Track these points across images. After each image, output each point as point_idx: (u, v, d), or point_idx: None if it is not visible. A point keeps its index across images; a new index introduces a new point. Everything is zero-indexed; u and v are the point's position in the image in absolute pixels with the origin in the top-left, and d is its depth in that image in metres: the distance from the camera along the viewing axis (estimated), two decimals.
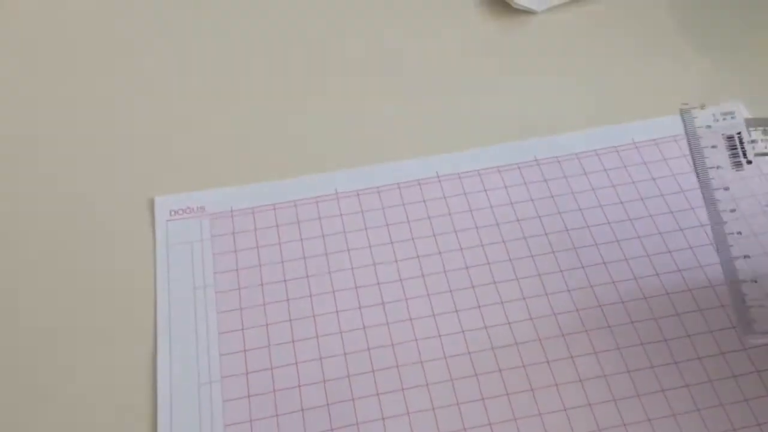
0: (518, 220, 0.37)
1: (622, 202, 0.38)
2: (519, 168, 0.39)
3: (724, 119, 0.35)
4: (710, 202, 0.33)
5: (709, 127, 0.35)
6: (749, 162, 0.35)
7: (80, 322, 0.34)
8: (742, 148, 0.35)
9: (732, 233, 0.32)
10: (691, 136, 0.35)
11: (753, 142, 0.35)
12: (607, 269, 0.35)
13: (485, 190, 0.38)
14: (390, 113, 0.42)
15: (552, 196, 0.38)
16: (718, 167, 0.34)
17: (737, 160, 0.35)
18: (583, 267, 0.35)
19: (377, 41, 0.45)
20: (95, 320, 0.34)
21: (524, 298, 0.34)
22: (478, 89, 0.43)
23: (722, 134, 0.35)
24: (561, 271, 0.35)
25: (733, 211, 0.33)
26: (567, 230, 0.37)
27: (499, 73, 0.43)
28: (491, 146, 0.40)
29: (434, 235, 0.37)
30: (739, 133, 0.35)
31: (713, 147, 0.34)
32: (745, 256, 0.32)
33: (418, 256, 0.36)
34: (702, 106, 0.34)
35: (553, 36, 0.45)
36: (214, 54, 0.45)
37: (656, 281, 0.35)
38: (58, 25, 0.47)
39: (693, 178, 0.38)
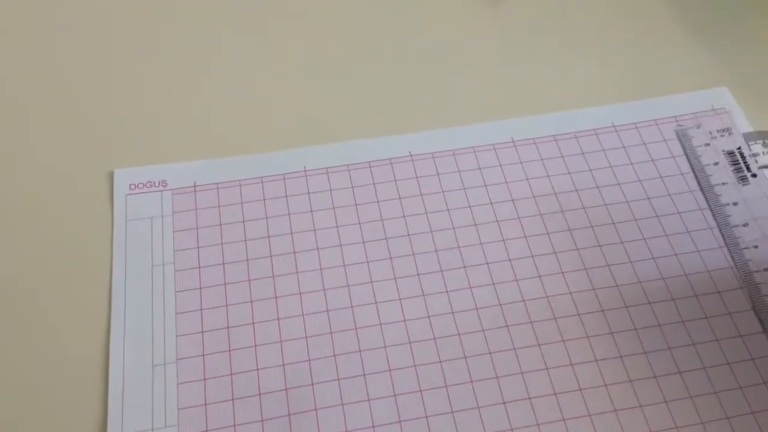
0: (491, 203, 0.36)
1: (598, 187, 0.36)
2: (494, 148, 0.38)
3: (721, 135, 0.35)
4: (722, 219, 0.33)
5: (707, 144, 0.35)
6: (754, 175, 0.34)
7: (31, 298, 0.33)
8: (745, 162, 0.34)
9: (748, 247, 0.32)
10: (692, 156, 0.35)
11: (754, 155, 0.35)
12: (580, 255, 0.34)
13: (459, 171, 0.37)
14: (366, 89, 0.40)
15: (527, 179, 0.37)
16: (723, 183, 0.34)
17: (742, 174, 0.34)
18: (555, 253, 0.34)
19: (358, 14, 0.44)
20: (47, 296, 0.33)
21: (493, 283, 0.33)
22: (460, 65, 0.41)
23: (722, 150, 0.35)
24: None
25: (745, 225, 0.33)
26: (540, 215, 0.36)
27: (484, 50, 0.42)
28: (466, 126, 0.39)
29: (404, 216, 0.36)
30: (739, 148, 0.34)
31: (715, 164, 0.34)
32: (766, 269, 0.32)
33: (386, 238, 0.35)
34: (697, 126, 0.33)
35: (540, 12, 0.44)
36: (185, 21, 0.43)
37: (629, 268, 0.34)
38: None
39: (671, 162, 0.37)
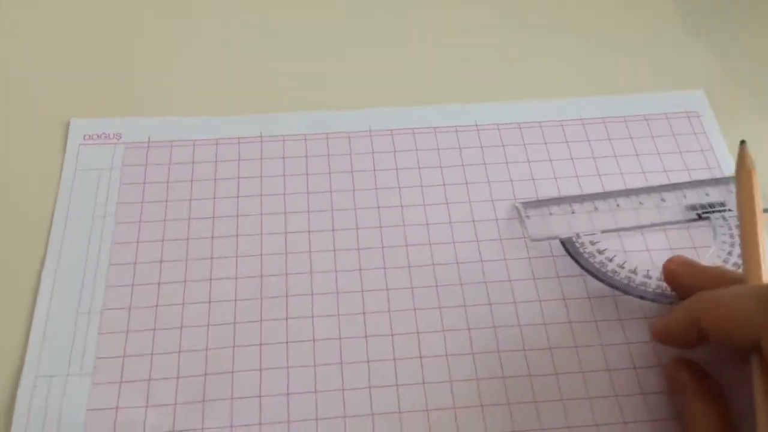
0: (444, 185, 0.35)
1: (555, 178, 0.36)
2: (456, 131, 0.37)
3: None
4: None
5: None
6: None
7: None
8: None
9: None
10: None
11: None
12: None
13: (416, 150, 0.36)
14: (329, 60, 0.40)
15: (485, 164, 0.36)
16: None
17: None
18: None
19: None
20: None
21: (433, 265, 0.33)
22: (426, 45, 0.41)
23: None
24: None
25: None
26: (492, 201, 0.35)
27: (452, 33, 0.41)
28: (429, 106, 0.38)
29: (353, 190, 0.35)
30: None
31: None
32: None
33: (332, 210, 0.34)
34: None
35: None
36: None
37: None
38: None
39: (633, 160, 0.36)
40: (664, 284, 0.30)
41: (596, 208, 0.34)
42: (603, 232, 0.33)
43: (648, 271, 0.31)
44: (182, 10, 0.42)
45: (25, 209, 0.34)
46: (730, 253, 0.32)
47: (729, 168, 0.36)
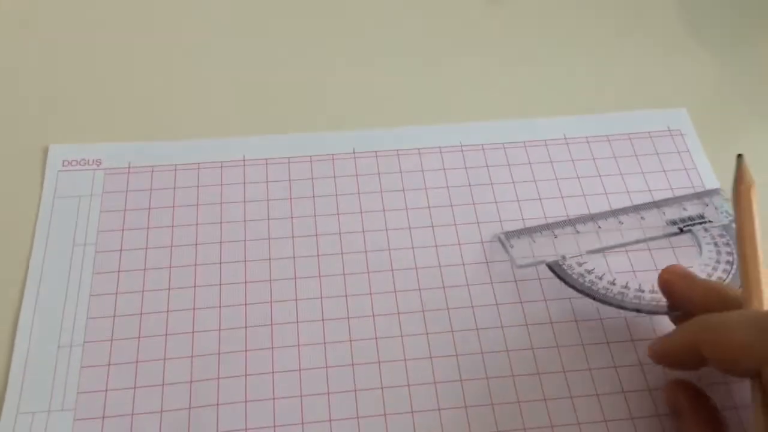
0: (429, 207, 0.35)
1: (540, 199, 0.35)
2: (440, 151, 0.37)
3: None
4: None
5: None
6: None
7: None
8: None
9: None
10: None
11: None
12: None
13: (400, 172, 0.36)
14: (310, 82, 0.39)
15: (470, 185, 0.36)
16: None
17: None
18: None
19: (307, 6, 0.43)
20: None
21: (419, 289, 0.33)
22: (410, 65, 0.40)
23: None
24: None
25: None
26: (478, 223, 0.35)
27: (438, 52, 0.41)
28: (413, 126, 0.38)
29: (338, 214, 0.35)
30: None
31: None
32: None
33: (316, 234, 0.34)
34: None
35: (502, 21, 0.43)
36: (131, 1, 0.42)
37: None
38: None
39: (617, 180, 0.36)
40: (658, 296, 0.30)
41: (578, 231, 0.34)
42: (588, 252, 0.33)
43: (640, 284, 0.31)
44: (161, 33, 0.41)
45: (2, 238, 0.33)
46: (714, 268, 0.32)
47: (711, 186, 0.36)
